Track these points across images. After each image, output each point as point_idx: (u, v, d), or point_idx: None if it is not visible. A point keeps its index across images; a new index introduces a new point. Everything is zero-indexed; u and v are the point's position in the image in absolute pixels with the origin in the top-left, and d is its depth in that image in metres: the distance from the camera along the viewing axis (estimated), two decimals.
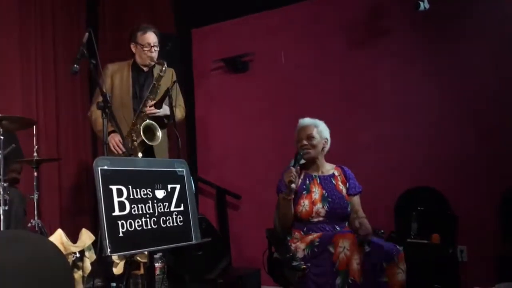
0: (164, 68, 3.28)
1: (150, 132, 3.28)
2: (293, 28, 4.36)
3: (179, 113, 3.50)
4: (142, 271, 2.91)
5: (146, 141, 3.22)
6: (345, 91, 4.12)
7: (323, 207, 2.79)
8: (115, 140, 3.25)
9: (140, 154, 3.14)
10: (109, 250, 1.82)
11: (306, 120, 3.00)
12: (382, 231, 2.97)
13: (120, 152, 3.22)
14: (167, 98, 3.20)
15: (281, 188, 2.90)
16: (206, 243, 3.02)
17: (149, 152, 3.32)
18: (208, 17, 4.76)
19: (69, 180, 4.49)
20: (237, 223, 4.52)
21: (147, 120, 3.26)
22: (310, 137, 2.91)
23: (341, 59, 4.14)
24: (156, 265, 2.79)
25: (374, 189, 3.67)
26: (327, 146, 2.97)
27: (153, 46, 3.38)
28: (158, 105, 3.18)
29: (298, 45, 4.33)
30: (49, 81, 4.36)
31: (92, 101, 3.54)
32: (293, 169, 2.74)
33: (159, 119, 3.35)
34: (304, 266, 2.52)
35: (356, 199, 2.93)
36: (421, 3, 3.54)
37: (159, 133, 3.28)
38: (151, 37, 3.39)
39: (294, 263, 2.54)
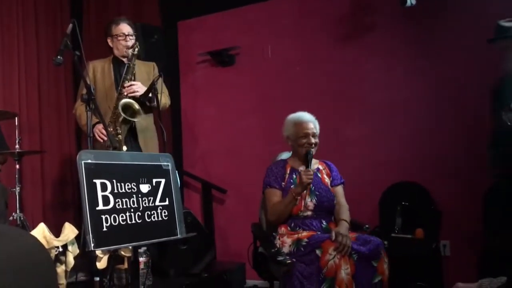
0: (136, 48, 3.30)
1: (129, 110, 3.24)
2: (279, 22, 4.34)
3: (163, 99, 3.42)
4: (126, 265, 2.88)
5: (128, 118, 3.18)
6: (331, 86, 4.12)
7: (311, 200, 2.80)
8: (98, 129, 3.22)
9: (124, 148, 3.11)
10: (92, 244, 1.80)
11: (306, 116, 2.98)
12: (367, 225, 3.00)
13: (105, 138, 3.19)
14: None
15: (271, 183, 2.88)
16: (191, 237, 3.01)
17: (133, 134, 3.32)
18: (194, 9, 4.71)
19: (52, 173, 4.43)
20: (222, 217, 4.51)
21: (122, 100, 3.22)
22: (314, 135, 2.92)
23: (327, 54, 4.13)
24: (141, 259, 2.77)
25: (359, 183, 3.70)
26: None
27: (128, 35, 3.39)
28: (142, 99, 3.15)
29: (285, 39, 4.32)
30: (32, 72, 4.28)
31: (76, 97, 3.50)
32: (311, 171, 2.75)
33: (141, 103, 3.32)
34: (290, 261, 2.52)
35: (339, 190, 2.96)
36: None
37: (138, 106, 3.22)
38: (125, 28, 3.41)
39: (280, 258, 2.55)
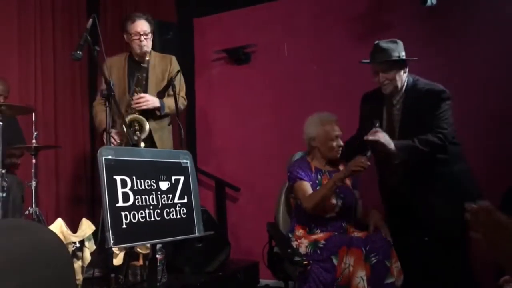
0: (147, 59, 3.24)
1: (140, 124, 3.21)
2: (296, 20, 4.30)
3: (172, 104, 3.28)
4: (141, 262, 2.88)
5: (132, 138, 3.12)
6: (348, 85, 4.06)
7: (337, 203, 2.78)
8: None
9: (142, 144, 3.10)
10: (112, 241, 1.79)
11: (332, 116, 2.93)
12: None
13: (115, 143, 3.16)
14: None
15: (302, 177, 2.81)
16: (206, 235, 2.99)
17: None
18: (210, 7, 4.69)
19: (67, 168, 4.44)
20: (235, 215, 4.49)
21: (131, 115, 3.18)
22: (340, 137, 2.88)
23: (344, 52, 4.08)
24: (157, 256, 2.77)
25: (372, 184, 3.65)
26: None
27: (142, 34, 3.27)
28: (160, 95, 3.14)
29: (301, 38, 4.28)
30: (48, 67, 4.28)
31: (96, 94, 3.48)
32: (365, 162, 2.65)
33: (151, 112, 3.29)
34: (306, 262, 2.50)
35: (357, 193, 2.94)
36: None
37: (147, 126, 3.20)
38: (139, 25, 3.28)
39: (297, 258, 2.53)
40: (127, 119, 3.14)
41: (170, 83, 3.01)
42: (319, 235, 2.67)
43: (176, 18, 4.70)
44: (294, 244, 2.72)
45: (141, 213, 1.93)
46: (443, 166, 2.79)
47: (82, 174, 4.57)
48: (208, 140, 4.73)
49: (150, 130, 3.27)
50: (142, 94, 3.25)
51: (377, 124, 2.75)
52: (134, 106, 3.21)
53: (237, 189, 4.46)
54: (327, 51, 4.17)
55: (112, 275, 2.68)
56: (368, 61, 2.95)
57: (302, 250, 2.63)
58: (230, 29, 4.60)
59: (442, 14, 3.66)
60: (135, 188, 1.94)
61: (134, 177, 1.94)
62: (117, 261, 2.61)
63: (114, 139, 3.18)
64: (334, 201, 2.77)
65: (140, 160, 1.99)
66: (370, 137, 2.65)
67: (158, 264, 2.74)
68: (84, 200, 4.53)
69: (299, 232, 2.78)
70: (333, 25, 4.14)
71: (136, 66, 3.38)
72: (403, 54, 2.86)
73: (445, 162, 2.80)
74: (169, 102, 3.28)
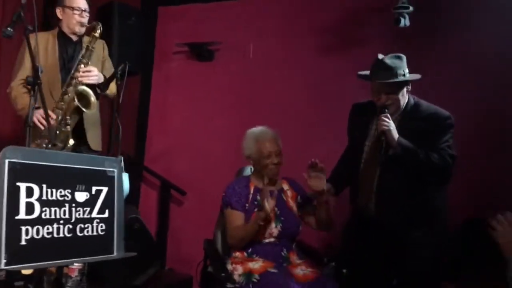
0: (99, 31, 3.00)
1: (84, 99, 2.93)
2: (265, 22, 4.09)
3: (113, 87, 3.06)
4: (53, 270, 2.58)
5: (82, 108, 2.89)
6: (310, 96, 3.88)
7: (276, 226, 2.56)
8: (40, 113, 2.76)
9: (71, 141, 2.79)
10: (4, 261, 1.51)
11: (269, 132, 2.69)
12: (326, 258, 2.77)
13: (45, 124, 2.82)
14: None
15: (233, 205, 2.60)
16: (135, 246, 2.70)
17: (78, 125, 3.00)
18: None
19: None
20: (179, 220, 4.24)
21: (80, 87, 2.92)
22: (278, 154, 2.64)
23: (311, 61, 3.89)
24: (75, 265, 2.48)
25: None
26: None
27: (84, 10, 3.07)
28: (104, 87, 2.85)
29: (269, 40, 4.07)
30: None
31: (12, 76, 3.11)
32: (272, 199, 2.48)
33: (91, 88, 3.01)
34: None
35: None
36: (402, 20, 3.35)
37: (94, 99, 2.94)
38: (82, 2, 3.08)
39: (229, 286, 2.31)
40: (77, 90, 2.88)
41: (115, 75, 2.72)
42: (255, 266, 2.43)
43: (140, 4, 4.40)
44: (230, 268, 2.50)
45: (48, 228, 1.67)
46: (425, 194, 2.54)
47: None
48: (160, 137, 4.46)
49: (82, 120, 2.99)
50: (91, 68, 2.98)
51: (387, 111, 2.52)
52: (80, 78, 2.93)
53: (183, 192, 4.21)
54: (293, 58, 3.97)
55: (20, 284, 2.37)
56: (368, 77, 2.65)
57: (235, 277, 2.41)
58: (196, 22, 4.34)
59: (415, 35, 3.52)
60: (44, 198, 1.67)
61: (44, 185, 1.67)
62: (28, 269, 2.30)
63: (51, 117, 2.80)
64: (272, 224, 2.56)
65: (54, 165, 1.72)
66: (384, 125, 2.44)
67: (76, 275, 2.47)
68: None
69: (236, 254, 2.55)
70: (302, 33, 3.95)
71: (69, 42, 3.11)
72: (407, 71, 2.60)
73: (428, 190, 2.56)
74: (111, 85, 3.03)
